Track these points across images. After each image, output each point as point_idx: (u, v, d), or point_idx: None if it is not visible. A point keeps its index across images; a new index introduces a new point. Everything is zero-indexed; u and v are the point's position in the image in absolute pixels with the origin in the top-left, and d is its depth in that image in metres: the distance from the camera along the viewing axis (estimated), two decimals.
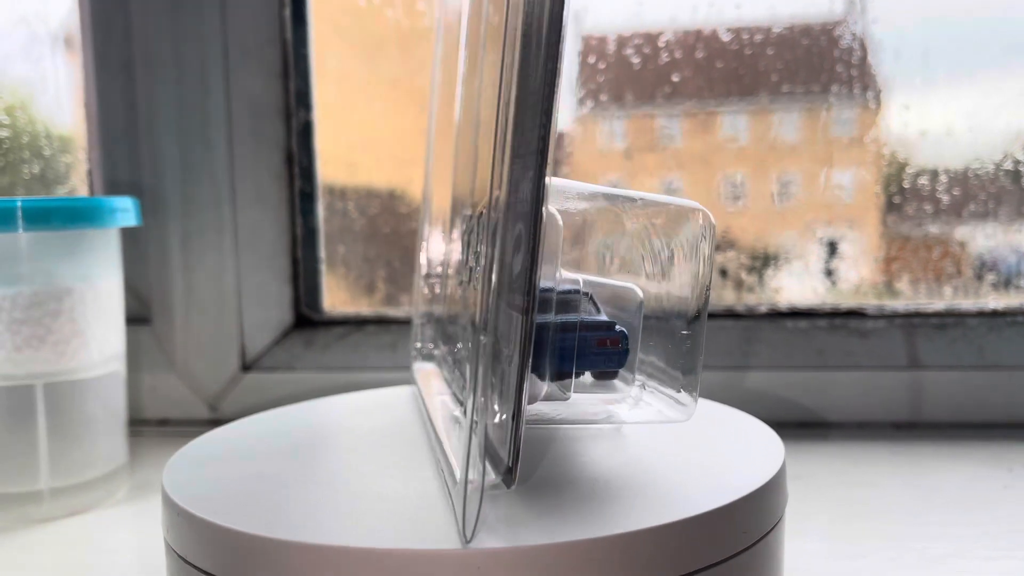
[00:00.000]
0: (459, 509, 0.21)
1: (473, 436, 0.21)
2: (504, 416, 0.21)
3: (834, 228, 0.55)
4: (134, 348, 0.52)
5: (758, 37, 0.54)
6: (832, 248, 0.55)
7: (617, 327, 0.26)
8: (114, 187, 0.55)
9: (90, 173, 0.58)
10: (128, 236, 0.47)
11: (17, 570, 0.34)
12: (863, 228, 0.55)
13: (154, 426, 0.54)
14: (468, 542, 0.21)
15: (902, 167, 0.54)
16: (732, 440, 0.30)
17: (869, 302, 0.53)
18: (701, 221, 0.26)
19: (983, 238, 0.53)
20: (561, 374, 0.26)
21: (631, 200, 0.27)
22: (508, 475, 0.21)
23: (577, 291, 0.27)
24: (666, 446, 0.29)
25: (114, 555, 0.35)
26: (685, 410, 0.27)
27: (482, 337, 0.21)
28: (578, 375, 0.26)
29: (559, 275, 0.26)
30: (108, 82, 0.55)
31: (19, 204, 0.37)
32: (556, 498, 0.24)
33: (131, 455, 0.45)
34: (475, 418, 0.21)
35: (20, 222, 0.37)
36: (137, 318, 0.55)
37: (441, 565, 0.20)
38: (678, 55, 0.55)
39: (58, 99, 0.60)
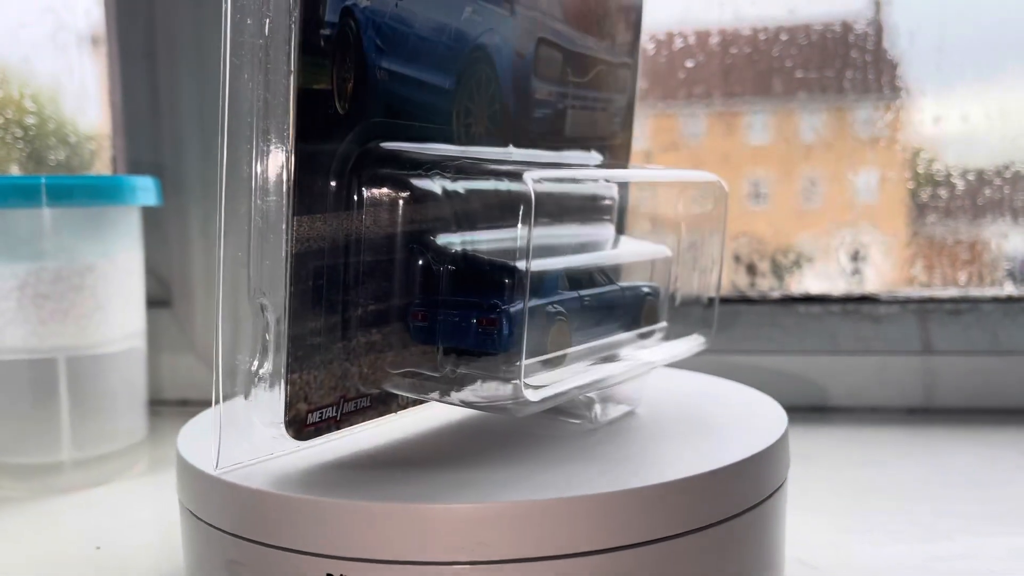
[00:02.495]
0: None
1: (217, 379, 0.24)
2: (268, 369, 0.23)
3: (858, 229, 0.55)
4: (155, 330, 0.53)
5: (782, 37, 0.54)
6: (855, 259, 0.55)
7: (503, 308, 0.24)
8: (137, 171, 0.56)
9: (114, 159, 0.60)
10: (150, 220, 0.48)
11: (38, 536, 0.35)
12: (889, 229, 0.55)
13: (174, 406, 0.55)
14: (216, 469, 0.24)
15: (927, 167, 0.54)
16: (733, 410, 0.31)
17: (883, 288, 0.53)
18: (519, 198, 0.24)
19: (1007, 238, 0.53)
20: (448, 350, 0.25)
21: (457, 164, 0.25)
22: (287, 427, 0.23)
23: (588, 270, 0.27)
24: (660, 418, 0.30)
25: (132, 523, 0.36)
26: (512, 397, 0.24)
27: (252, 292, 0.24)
28: (458, 352, 0.25)
29: (441, 241, 0.25)
30: (132, 69, 0.56)
31: (43, 181, 0.38)
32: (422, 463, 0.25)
33: (151, 432, 0.46)
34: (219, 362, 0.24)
35: (44, 198, 0.38)
36: (158, 301, 0.56)
37: (204, 483, 0.24)
38: (697, 55, 0.55)
39: (83, 87, 0.61)
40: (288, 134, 0.22)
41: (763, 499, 0.26)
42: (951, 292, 0.52)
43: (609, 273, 0.30)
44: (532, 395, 0.24)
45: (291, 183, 0.22)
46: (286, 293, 0.23)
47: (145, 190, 0.42)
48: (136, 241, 0.43)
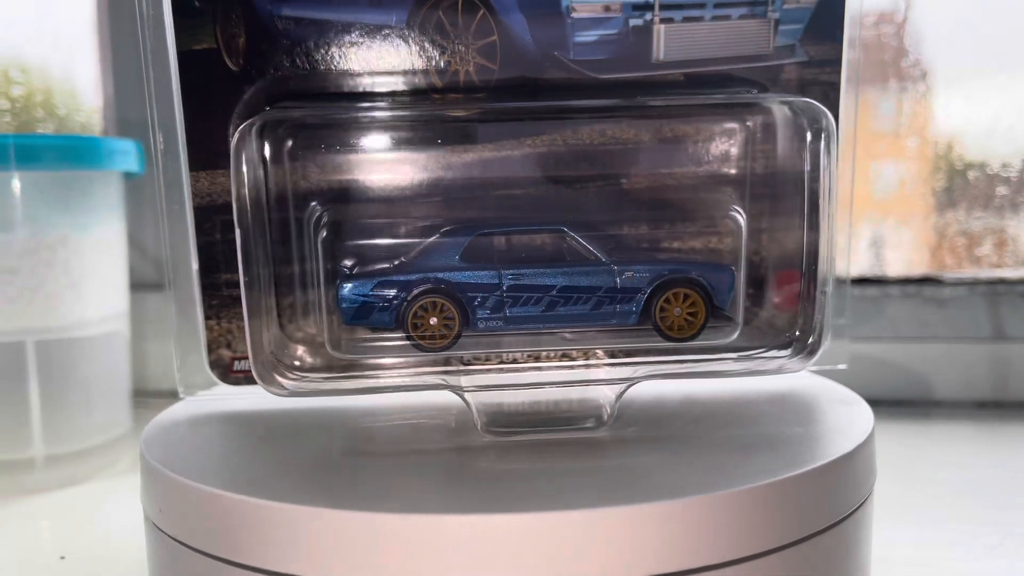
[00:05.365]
0: None
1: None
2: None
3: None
4: (150, 316, 0.49)
5: None
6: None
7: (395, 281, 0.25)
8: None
9: (105, 132, 0.56)
10: (142, 196, 0.44)
11: (6, 541, 0.31)
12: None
13: (166, 397, 0.51)
14: (181, 392, 0.28)
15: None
16: (801, 405, 0.26)
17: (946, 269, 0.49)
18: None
19: None
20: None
21: None
22: (210, 369, 0.27)
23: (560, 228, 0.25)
24: (708, 416, 0.25)
25: (107, 530, 0.32)
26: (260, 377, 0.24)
27: None
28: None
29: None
30: (124, 38, 0.52)
31: (11, 141, 0.34)
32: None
33: (136, 426, 0.41)
34: None
35: (12, 161, 0.34)
36: (153, 284, 0.52)
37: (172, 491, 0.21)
38: None
39: (73, 58, 0.57)
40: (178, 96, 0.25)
41: (841, 518, 0.21)
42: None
43: (598, 249, 0.25)
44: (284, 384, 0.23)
45: (185, 141, 0.25)
46: (192, 244, 0.25)
47: (125, 154, 0.37)
48: (117, 211, 0.39)
